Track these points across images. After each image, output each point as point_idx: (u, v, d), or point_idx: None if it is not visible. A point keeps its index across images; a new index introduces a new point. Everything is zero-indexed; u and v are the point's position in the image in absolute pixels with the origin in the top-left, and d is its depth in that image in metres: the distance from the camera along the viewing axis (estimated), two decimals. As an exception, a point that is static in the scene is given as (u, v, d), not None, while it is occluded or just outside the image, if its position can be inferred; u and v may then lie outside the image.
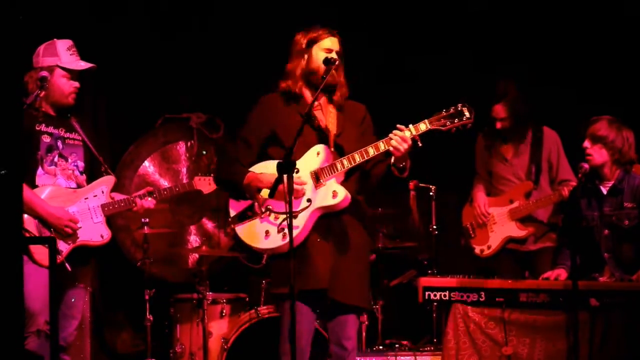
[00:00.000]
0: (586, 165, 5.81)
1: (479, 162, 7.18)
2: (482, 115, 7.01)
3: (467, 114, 4.84)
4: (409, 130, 4.86)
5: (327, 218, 5.03)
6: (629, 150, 5.98)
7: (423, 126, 4.87)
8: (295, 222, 4.89)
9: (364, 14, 8.14)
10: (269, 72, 5.54)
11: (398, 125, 4.87)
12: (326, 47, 5.13)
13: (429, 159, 6.58)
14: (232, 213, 5.21)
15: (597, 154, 5.95)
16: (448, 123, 4.86)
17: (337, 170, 4.98)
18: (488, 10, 7.98)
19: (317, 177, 5.01)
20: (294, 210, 4.85)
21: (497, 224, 6.91)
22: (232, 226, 5.22)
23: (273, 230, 5.03)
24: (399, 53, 8.24)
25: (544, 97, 7.31)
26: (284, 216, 4.94)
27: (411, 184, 7.51)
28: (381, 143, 4.91)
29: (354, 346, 5.08)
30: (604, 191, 6.01)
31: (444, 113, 4.87)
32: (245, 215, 5.16)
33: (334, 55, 5.09)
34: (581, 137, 6.03)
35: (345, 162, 4.97)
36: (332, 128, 5.12)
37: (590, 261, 5.97)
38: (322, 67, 5.06)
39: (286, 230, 4.93)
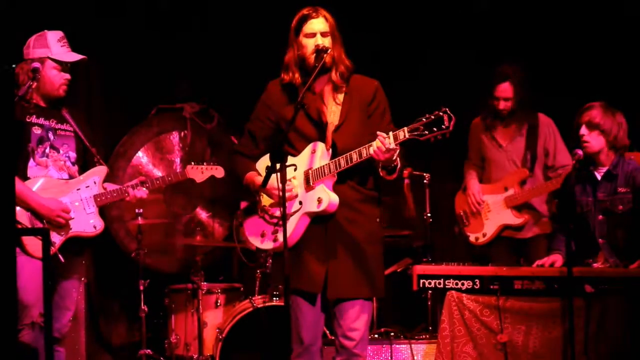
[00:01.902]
0: (580, 152, 5.81)
1: (472, 147, 7.15)
2: (478, 103, 7.04)
3: (446, 122, 4.71)
4: (389, 138, 4.78)
5: (323, 219, 5.02)
6: (624, 135, 5.99)
7: (401, 134, 4.78)
8: (287, 227, 4.91)
9: (365, 11, 8.11)
10: (262, 61, 5.53)
11: (378, 133, 4.80)
12: (308, 32, 5.04)
13: (423, 147, 6.56)
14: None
15: (595, 141, 5.95)
16: (427, 132, 4.73)
17: (324, 175, 4.97)
18: (490, 9, 7.96)
19: (308, 180, 5.02)
20: (287, 213, 4.92)
21: (492, 211, 6.90)
22: (240, 220, 5.30)
23: (268, 232, 5.12)
24: (399, 49, 8.23)
25: (543, 96, 7.28)
26: (277, 221, 5.07)
27: (405, 172, 7.49)
28: (364, 149, 4.86)
29: (361, 337, 5.06)
30: (598, 177, 6.01)
31: (423, 120, 4.74)
32: (251, 211, 5.25)
33: (318, 39, 5.00)
34: (575, 125, 6.02)
35: (332, 166, 4.95)
36: (333, 119, 5.06)
37: (584, 247, 5.97)
38: (308, 53, 5.01)
39: (277, 235, 5.07)
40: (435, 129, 4.73)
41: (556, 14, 7.84)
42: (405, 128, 4.79)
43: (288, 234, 4.92)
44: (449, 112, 4.74)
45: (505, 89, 6.80)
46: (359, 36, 7.95)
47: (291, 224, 4.98)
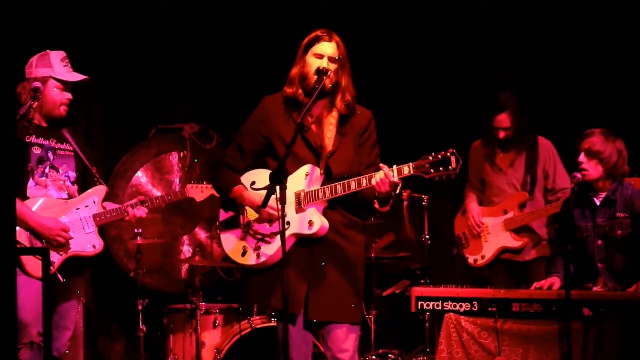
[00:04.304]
0: (579, 176, 5.82)
1: (472, 171, 7.17)
2: (481, 121, 7.07)
3: (453, 164, 4.73)
4: (392, 171, 4.79)
5: (309, 242, 5.02)
6: (623, 163, 6.00)
7: (406, 170, 4.79)
8: (272, 245, 5.01)
9: (368, 9, 8.15)
10: (262, 82, 5.55)
11: (381, 165, 4.83)
12: (317, 52, 5.05)
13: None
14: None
15: (593, 170, 5.96)
16: (432, 171, 4.75)
17: (318, 199, 4.97)
18: (490, 9, 7.99)
19: (299, 201, 5.01)
20: (272, 232, 5.01)
21: (491, 234, 6.91)
22: (218, 232, 5.27)
23: (250, 249, 5.10)
24: (401, 48, 8.26)
25: (543, 96, 7.31)
26: (262, 237, 5.06)
27: (404, 194, 7.51)
28: (364, 179, 4.87)
29: (351, 358, 5.05)
30: (598, 202, 6.03)
31: (430, 159, 4.76)
32: (232, 224, 5.20)
33: (324, 62, 5.01)
34: (576, 150, 6.03)
35: (327, 191, 4.95)
36: (328, 144, 5.07)
37: (584, 272, 5.98)
38: (312, 73, 5.02)
39: (261, 252, 5.05)
40: (441, 168, 4.75)
41: (556, 14, 7.86)
42: (411, 164, 4.80)
43: (272, 253, 5.00)
44: (457, 154, 4.75)
45: (503, 120, 6.84)
46: (363, 35, 8.06)
47: (277, 243, 4.97)
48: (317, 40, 5.08)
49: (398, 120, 7.71)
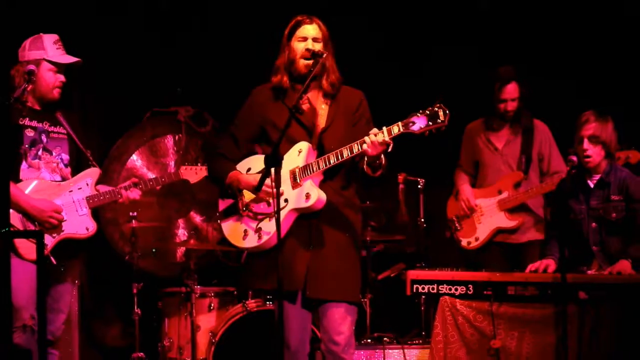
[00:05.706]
0: (575, 158, 5.82)
1: (465, 153, 7.15)
2: (481, 105, 7.06)
3: (441, 117, 4.73)
4: (382, 133, 4.81)
5: (307, 217, 5.04)
6: (616, 141, 6.01)
7: (396, 129, 4.80)
8: (271, 222, 5.01)
9: (367, 9, 8.13)
10: (258, 65, 5.54)
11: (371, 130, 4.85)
12: (300, 36, 5.12)
13: (417, 152, 6.58)
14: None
15: (597, 155, 5.95)
16: (421, 126, 4.77)
17: (313, 171, 4.99)
18: (490, 8, 7.98)
19: (295, 177, 5.03)
20: (271, 210, 4.99)
21: (485, 215, 6.90)
22: (219, 222, 5.28)
23: (251, 230, 5.11)
24: (400, 43, 8.24)
25: (543, 96, 7.30)
26: (262, 216, 5.08)
27: (400, 177, 7.51)
28: (355, 145, 4.88)
29: (347, 341, 5.07)
30: (591, 185, 6.02)
31: (418, 114, 4.78)
32: (231, 212, 5.23)
33: (309, 43, 5.08)
34: (573, 137, 6.02)
35: (320, 163, 4.98)
36: (320, 122, 5.11)
37: (578, 254, 5.98)
38: (298, 57, 5.09)
39: (262, 231, 5.07)
40: (430, 123, 4.76)
41: (556, 14, 7.85)
42: (400, 122, 4.82)
43: (273, 230, 4.99)
44: (443, 106, 4.76)
45: (512, 90, 6.83)
46: (362, 33, 8.03)
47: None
48: (298, 25, 5.16)
49: (396, 119, 7.71)
